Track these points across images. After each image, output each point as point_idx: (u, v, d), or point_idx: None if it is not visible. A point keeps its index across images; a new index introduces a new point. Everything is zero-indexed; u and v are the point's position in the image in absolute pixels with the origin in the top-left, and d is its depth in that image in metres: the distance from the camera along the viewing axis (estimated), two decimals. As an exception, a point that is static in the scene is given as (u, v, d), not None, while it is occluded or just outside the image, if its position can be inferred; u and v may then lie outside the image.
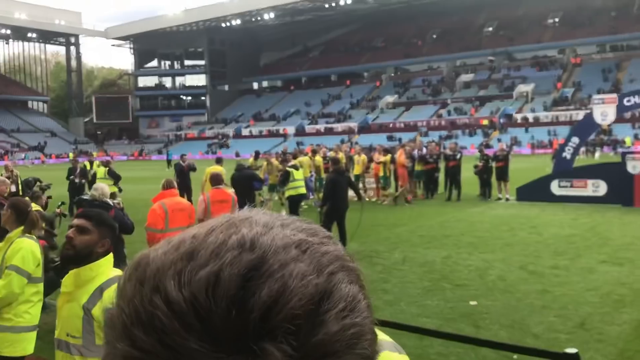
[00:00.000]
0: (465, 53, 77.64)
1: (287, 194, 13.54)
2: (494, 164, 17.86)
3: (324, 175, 17.43)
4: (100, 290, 2.71)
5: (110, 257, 2.84)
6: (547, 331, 6.09)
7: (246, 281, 0.45)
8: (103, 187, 6.77)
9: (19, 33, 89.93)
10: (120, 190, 14.90)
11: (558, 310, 6.76)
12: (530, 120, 62.50)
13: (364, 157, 18.83)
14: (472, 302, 7.19)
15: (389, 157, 18.15)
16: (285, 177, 13.33)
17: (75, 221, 2.81)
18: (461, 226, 13.09)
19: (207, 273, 0.45)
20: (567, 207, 15.46)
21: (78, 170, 16.78)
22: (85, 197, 7.05)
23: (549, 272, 8.59)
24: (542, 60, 73.66)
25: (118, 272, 2.85)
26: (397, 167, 17.77)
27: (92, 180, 15.89)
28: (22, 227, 4.35)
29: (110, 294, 2.66)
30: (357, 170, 18.47)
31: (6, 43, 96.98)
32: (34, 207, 7.90)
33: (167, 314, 0.44)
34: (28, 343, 4.18)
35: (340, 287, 0.48)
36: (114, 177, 15.16)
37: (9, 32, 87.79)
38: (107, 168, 15.58)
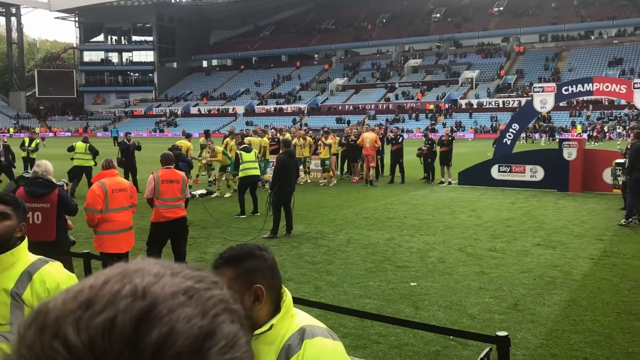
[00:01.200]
0: (414, 38, 78.53)
1: (239, 175, 13.39)
2: (438, 149, 18.31)
3: (269, 157, 17.46)
4: (28, 274, 2.66)
5: (26, 241, 2.79)
6: (482, 312, 6.38)
7: (138, 325, 0.50)
8: (46, 164, 6.37)
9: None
10: (95, 164, 15.06)
11: (493, 292, 7.08)
12: (475, 105, 64.05)
13: (310, 139, 18.91)
14: (413, 284, 7.45)
15: (337, 139, 18.38)
16: (236, 160, 13.20)
17: None
18: (404, 209, 13.42)
19: (103, 319, 0.49)
20: (506, 191, 16.07)
21: (1, 148, 16.19)
22: (26, 175, 6.72)
23: (487, 255, 8.96)
24: (487, 47, 75.32)
25: (34, 256, 2.80)
26: (365, 149, 17.81)
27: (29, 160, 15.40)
28: None
29: (41, 277, 2.66)
30: (305, 152, 18.45)
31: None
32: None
33: (66, 357, 0.48)
34: None
35: (222, 327, 0.53)
36: (94, 152, 15.93)
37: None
38: (88, 144, 16.00)
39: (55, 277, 2.72)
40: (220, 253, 1.88)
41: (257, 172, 13.42)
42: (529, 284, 7.38)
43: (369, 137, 17.85)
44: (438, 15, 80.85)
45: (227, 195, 15.70)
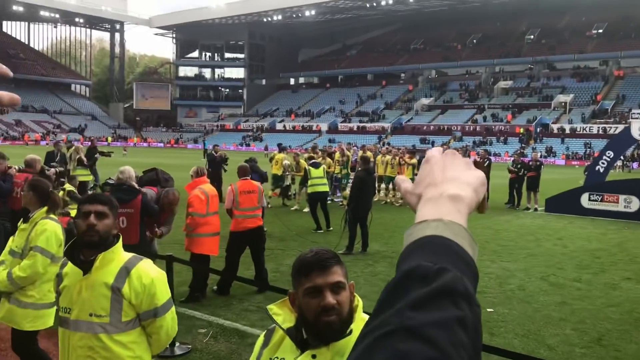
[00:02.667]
0: (505, 59, 76.56)
1: (308, 190, 13.53)
2: (525, 173, 17.70)
3: (337, 172, 17.51)
4: (125, 270, 2.84)
5: (121, 239, 2.98)
6: (562, 344, 6.10)
7: None
8: (129, 170, 6.59)
9: (67, 18, 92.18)
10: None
11: (576, 324, 6.75)
12: (567, 131, 61.42)
13: (388, 157, 18.75)
14: (489, 310, 7.23)
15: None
16: (304, 176, 13.45)
17: (94, 207, 2.86)
18: (486, 233, 13.06)
19: None
20: (596, 221, 15.27)
21: (58, 157, 15.28)
22: (110, 181, 7.13)
23: (570, 285, 8.56)
24: (583, 71, 72.21)
25: (127, 253, 2.99)
26: None
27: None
28: (45, 208, 4.52)
29: (138, 273, 2.85)
30: (388, 171, 18.25)
31: (54, 27, 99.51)
32: (67, 187, 8.21)
33: None
34: (48, 317, 4.37)
35: None
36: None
37: (57, 16, 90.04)
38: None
39: (150, 273, 2.91)
40: (309, 256, 1.93)
41: (326, 188, 13.57)
42: (615, 319, 6.98)
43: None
44: (532, 36, 78.52)
45: (306, 210, 15.86)
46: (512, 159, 19.62)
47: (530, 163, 17.88)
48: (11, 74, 0.81)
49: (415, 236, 0.71)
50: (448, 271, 0.63)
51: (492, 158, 23.40)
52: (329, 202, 16.84)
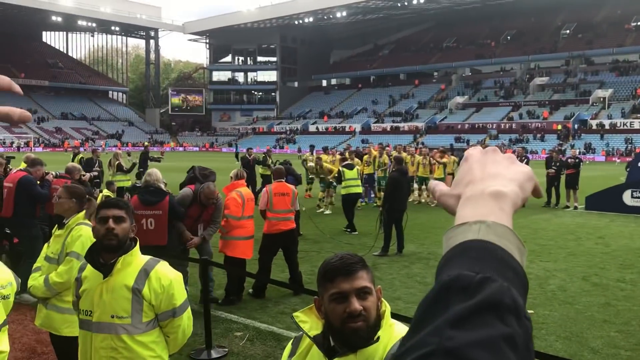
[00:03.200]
0: (541, 55, 75.06)
1: (342, 192, 13.49)
2: (564, 171, 17.29)
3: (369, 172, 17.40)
4: (144, 272, 2.91)
5: (138, 241, 3.04)
6: (606, 346, 5.92)
7: None
8: (157, 172, 6.83)
9: (103, 26, 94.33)
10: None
11: (620, 326, 6.54)
12: (607, 127, 59.87)
13: (419, 157, 18.49)
14: (530, 311, 7.04)
15: (452, 158, 17.92)
16: (338, 177, 13.38)
17: (111, 212, 2.93)
18: (524, 232, 12.79)
19: None
20: (639, 219, 14.82)
21: (97, 164, 15.31)
22: (137, 184, 7.39)
23: (614, 285, 8.30)
24: (622, 65, 70.30)
25: (145, 255, 3.05)
26: None
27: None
28: (82, 214, 4.58)
29: (157, 275, 2.90)
30: (419, 171, 18.04)
31: (91, 36, 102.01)
32: (106, 193, 8.37)
33: None
34: None
35: None
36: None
37: (94, 25, 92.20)
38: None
39: (168, 275, 2.98)
40: (334, 262, 1.89)
41: (360, 189, 13.62)
42: (663, 321, 6.73)
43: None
44: (567, 31, 76.85)
45: (327, 212, 15.75)
46: (547, 156, 19.11)
47: (569, 160, 17.46)
48: (18, 90, 0.81)
49: (455, 240, 0.64)
50: (493, 281, 0.56)
51: (529, 156, 22.91)
52: (362, 203, 16.84)
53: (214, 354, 5.72)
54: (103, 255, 2.93)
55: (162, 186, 6.80)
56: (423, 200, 18.26)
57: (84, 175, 9.54)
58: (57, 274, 4.26)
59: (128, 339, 2.85)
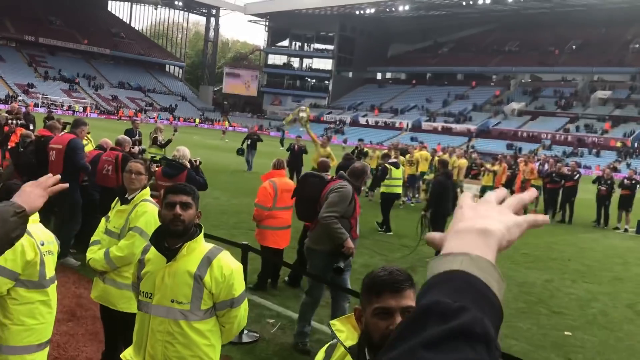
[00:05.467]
0: (606, 68, 72.45)
1: (382, 190, 13.32)
2: (619, 191, 16.67)
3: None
4: (207, 260, 2.92)
5: (203, 228, 3.05)
6: (645, 379, 5.71)
7: None
8: (184, 149, 7.35)
9: (167, 0, 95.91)
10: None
11: (662, 359, 6.29)
12: (669, 148, 57.45)
13: (463, 161, 18.21)
14: (567, 333, 6.87)
15: (504, 166, 17.56)
16: (384, 173, 13.14)
17: (179, 198, 2.94)
18: (570, 251, 12.44)
19: None
20: (694, 250, 14.19)
21: (137, 135, 15.16)
22: (167, 157, 7.99)
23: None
24: (693, 85, 67.26)
25: (208, 243, 3.08)
26: (519, 179, 17.18)
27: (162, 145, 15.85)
28: (147, 190, 4.67)
29: (219, 264, 2.92)
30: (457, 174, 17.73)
31: (155, 9, 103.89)
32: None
33: None
34: None
35: None
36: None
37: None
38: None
39: (230, 264, 3.00)
40: (382, 275, 1.86)
41: (400, 189, 13.51)
42: None
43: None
44: (637, 45, 73.91)
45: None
46: (598, 174, 18.44)
47: (626, 181, 16.82)
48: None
49: (439, 269, 0.68)
50: (468, 311, 0.59)
51: (582, 171, 22.16)
52: (403, 204, 16.72)
53: (245, 339, 5.77)
54: (168, 240, 2.95)
55: (186, 162, 7.25)
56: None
57: (133, 148, 9.75)
58: (118, 248, 4.30)
59: (185, 325, 2.87)
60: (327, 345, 2.12)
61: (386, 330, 1.78)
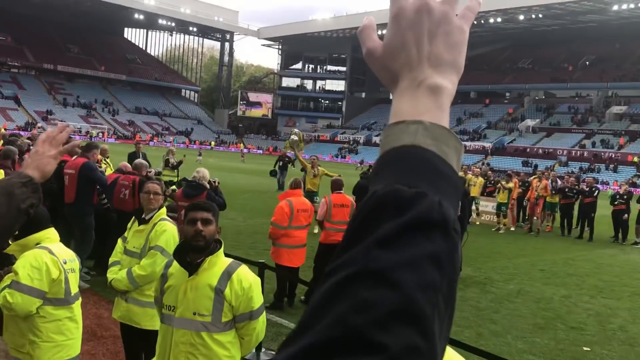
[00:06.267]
0: (621, 83, 72.06)
1: None
2: (638, 206, 16.51)
3: None
4: (227, 274, 3.04)
5: (223, 244, 3.16)
6: (666, 394, 5.66)
7: None
8: (204, 171, 7.58)
9: (182, 26, 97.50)
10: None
11: (683, 374, 6.23)
12: (687, 162, 56.77)
13: (481, 179, 18.17)
14: (586, 348, 6.83)
15: (514, 181, 17.52)
16: None
17: (200, 214, 3.06)
18: (587, 266, 12.34)
19: None
20: None
21: (140, 157, 15.00)
22: (188, 178, 8.18)
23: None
24: None
25: (228, 258, 3.19)
26: (532, 196, 17.20)
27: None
28: (164, 210, 4.79)
29: (239, 277, 3.03)
30: (473, 192, 17.71)
31: (170, 35, 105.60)
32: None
33: None
34: None
35: None
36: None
37: (173, 24, 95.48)
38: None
39: (249, 278, 3.12)
40: None
41: None
42: None
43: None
44: (651, 60, 73.52)
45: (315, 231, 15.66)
46: (615, 190, 18.28)
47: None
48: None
49: (392, 143, 0.63)
50: (424, 197, 0.56)
51: (600, 186, 21.98)
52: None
53: (263, 357, 5.82)
54: (190, 255, 3.07)
55: (205, 183, 7.46)
56: (478, 223, 17.94)
57: (149, 172, 9.92)
58: (140, 267, 4.39)
59: (207, 337, 2.98)
60: None
61: None
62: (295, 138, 16.57)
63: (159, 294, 3.21)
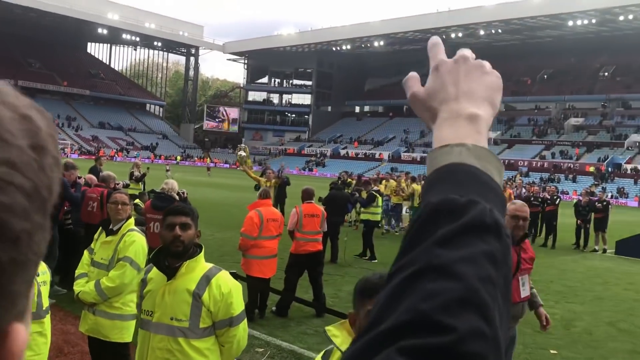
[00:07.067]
0: (578, 96, 74.39)
1: (365, 216, 13.37)
2: (593, 214, 17.01)
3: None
4: (206, 278, 2.99)
5: (204, 249, 3.12)
6: (629, 393, 5.83)
7: None
8: (173, 183, 7.57)
9: (146, 41, 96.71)
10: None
11: (645, 374, 6.43)
12: (643, 172, 58.76)
13: (393, 182, 18.07)
14: (553, 351, 7.00)
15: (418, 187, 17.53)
16: (372, 200, 13.29)
17: (178, 219, 3.02)
18: (551, 273, 12.63)
19: None
20: (672, 268, 14.48)
21: (101, 172, 15.76)
22: (156, 189, 8.04)
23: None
24: (661, 110, 69.15)
25: (208, 263, 3.13)
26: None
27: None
28: (132, 220, 4.73)
29: (218, 282, 2.98)
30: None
31: (134, 49, 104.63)
32: (136, 201, 8.58)
33: None
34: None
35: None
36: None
37: (138, 39, 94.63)
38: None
39: (228, 283, 3.06)
40: (374, 279, 1.95)
41: (379, 217, 13.82)
42: (690, 372, 6.59)
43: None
44: (606, 73, 76.08)
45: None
46: (576, 200, 18.78)
47: (597, 205, 17.19)
48: None
49: (439, 162, 0.67)
50: (476, 204, 0.60)
51: (562, 196, 22.59)
52: (386, 231, 16.96)
53: (236, 367, 5.78)
54: (169, 260, 3.02)
55: (174, 195, 7.39)
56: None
57: (118, 184, 9.81)
58: (108, 279, 4.31)
59: (184, 343, 2.91)
60: (323, 352, 2.21)
61: None
62: (243, 154, 16.69)
63: (139, 299, 3.17)
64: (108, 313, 4.38)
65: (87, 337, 4.69)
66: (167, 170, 19.08)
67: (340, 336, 2.05)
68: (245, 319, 3.13)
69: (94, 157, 18.79)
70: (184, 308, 2.94)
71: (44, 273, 3.51)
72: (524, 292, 4.44)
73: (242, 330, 3.07)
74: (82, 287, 4.43)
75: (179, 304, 2.94)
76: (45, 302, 3.47)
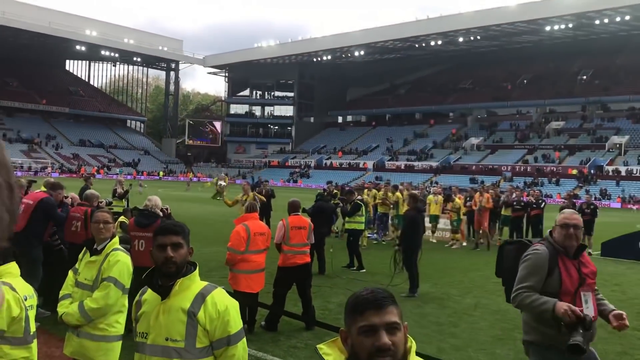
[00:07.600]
0: (557, 100, 75.39)
1: (351, 226, 13.27)
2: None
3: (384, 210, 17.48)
4: (201, 296, 2.87)
5: (198, 266, 3.03)
6: (622, 395, 5.81)
7: None
8: (156, 199, 7.35)
9: (126, 57, 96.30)
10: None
11: (637, 375, 6.43)
12: (623, 173, 59.54)
13: (440, 198, 18.52)
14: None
15: (459, 198, 17.88)
16: (356, 209, 13.23)
17: (169, 239, 2.92)
18: (539, 277, 12.65)
19: None
20: (657, 268, 14.60)
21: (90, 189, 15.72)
22: (139, 207, 7.81)
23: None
24: (638, 112, 70.25)
25: (203, 281, 3.02)
26: (477, 210, 17.38)
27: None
28: (116, 239, 4.63)
29: (213, 300, 2.86)
30: (433, 210, 18.04)
31: (113, 65, 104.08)
32: (121, 218, 8.44)
33: None
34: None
35: None
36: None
37: (116, 55, 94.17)
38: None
39: (225, 300, 2.93)
40: (365, 295, 1.90)
41: (363, 226, 13.69)
42: (681, 372, 6.59)
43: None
44: (584, 77, 77.22)
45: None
46: (561, 205, 18.93)
47: (584, 207, 17.32)
48: None
49: None
50: None
51: (546, 199, 22.74)
52: (375, 242, 16.95)
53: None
54: (162, 279, 2.93)
55: (158, 211, 7.18)
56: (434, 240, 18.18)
57: (101, 202, 9.66)
58: (93, 300, 4.21)
59: None
60: None
61: (372, 348, 1.81)
62: (223, 184, 16.74)
63: (134, 322, 3.07)
64: (92, 335, 4.27)
65: (72, 360, 4.57)
66: (140, 186, 18.91)
67: (332, 354, 1.99)
68: (245, 338, 3.00)
69: (75, 176, 18.68)
70: (179, 327, 2.83)
71: (31, 297, 3.40)
72: (588, 311, 3.86)
73: (242, 349, 2.94)
74: (66, 308, 4.32)
75: (174, 323, 2.84)
76: (33, 327, 3.36)
